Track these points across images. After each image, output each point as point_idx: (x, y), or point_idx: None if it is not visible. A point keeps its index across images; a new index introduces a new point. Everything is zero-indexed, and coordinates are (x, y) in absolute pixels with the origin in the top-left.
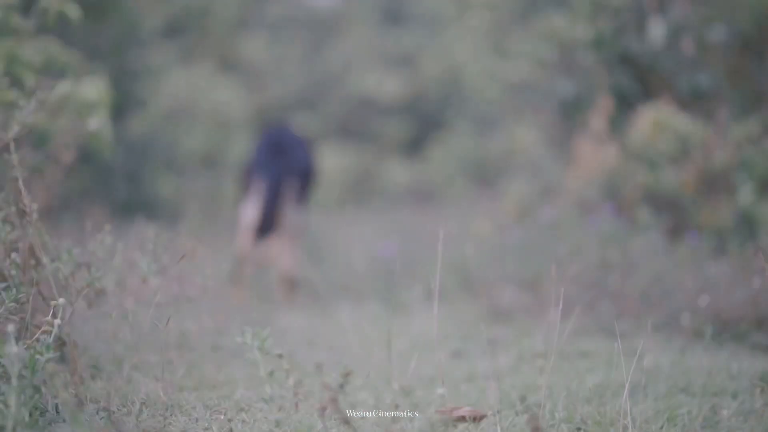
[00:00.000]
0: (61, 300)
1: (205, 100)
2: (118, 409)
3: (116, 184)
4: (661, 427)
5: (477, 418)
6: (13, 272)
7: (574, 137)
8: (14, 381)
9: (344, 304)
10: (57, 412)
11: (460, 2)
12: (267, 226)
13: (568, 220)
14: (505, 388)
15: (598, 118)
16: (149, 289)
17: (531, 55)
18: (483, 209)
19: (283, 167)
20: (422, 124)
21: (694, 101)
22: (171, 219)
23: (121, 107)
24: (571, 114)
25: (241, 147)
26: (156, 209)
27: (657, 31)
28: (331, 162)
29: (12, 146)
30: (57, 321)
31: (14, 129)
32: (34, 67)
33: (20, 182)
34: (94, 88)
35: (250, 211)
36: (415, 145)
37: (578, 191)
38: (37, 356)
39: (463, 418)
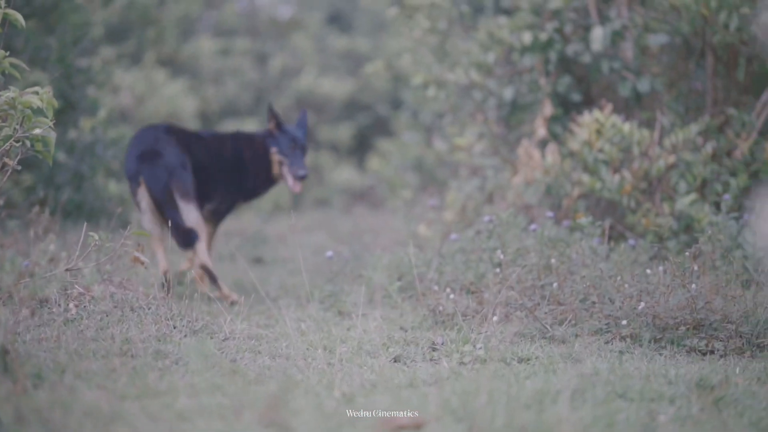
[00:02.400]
0: (4, 309)
1: (156, 97)
2: (59, 420)
3: (62, 188)
4: None
5: (418, 426)
6: None
7: (516, 141)
8: None
9: (288, 309)
10: None
11: (404, 8)
12: (180, 233)
13: (510, 224)
14: (445, 395)
15: (539, 122)
16: (93, 297)
17: (473, 60)
18: (427, 213)
19: (160, 169)
20: (368, 127)
21: (634, 106)
22: (117, 223)
23: (67, 111)
24: (512, 118)
25: None
26: (102, 213)
27: (597, 36)
28: None
29: None
30: (0, 330)
31: None
32: None
33: None
34: (38, 95)
35: (147, 224)
36: (360, 149)
37: (520, 195)
38: None
39: (403, 427)
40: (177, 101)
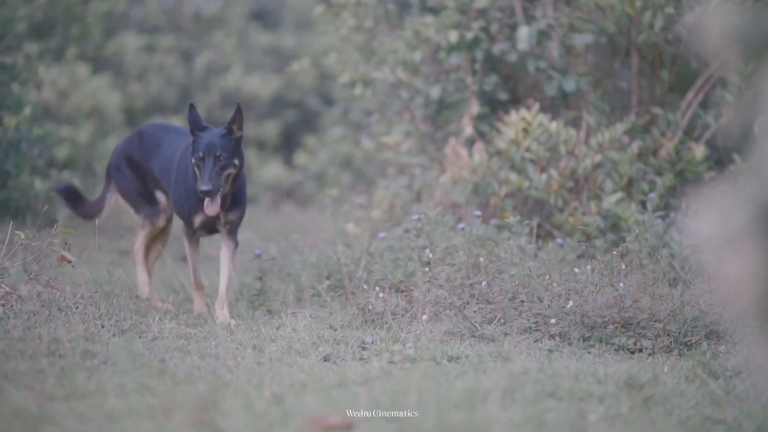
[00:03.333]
0: None
1: (79, 92)
2: None
3: None
4: None
5: (348, 427)
6: None
7: (443, 140)
8: None
9: (217, 308)
10: None
11: (331, 6)
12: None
13: (438, 223)
14: (375, 395)
15: (466, 121)
16: (20, 296)
17: (400, 59)
18: (355, 211)
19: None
20: (295, 124)
21: (561, 105)
22: (44, 221)
23: None
24: (439, 117)
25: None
26: (28, 211)
27: (523, 35)
28: None
29: None
30: None
31: None
32: None
33: None
34: None
35: None
36: (288, 146)
37: (448, 194)
38: None
39: (333, 427)
40: (100, 96)
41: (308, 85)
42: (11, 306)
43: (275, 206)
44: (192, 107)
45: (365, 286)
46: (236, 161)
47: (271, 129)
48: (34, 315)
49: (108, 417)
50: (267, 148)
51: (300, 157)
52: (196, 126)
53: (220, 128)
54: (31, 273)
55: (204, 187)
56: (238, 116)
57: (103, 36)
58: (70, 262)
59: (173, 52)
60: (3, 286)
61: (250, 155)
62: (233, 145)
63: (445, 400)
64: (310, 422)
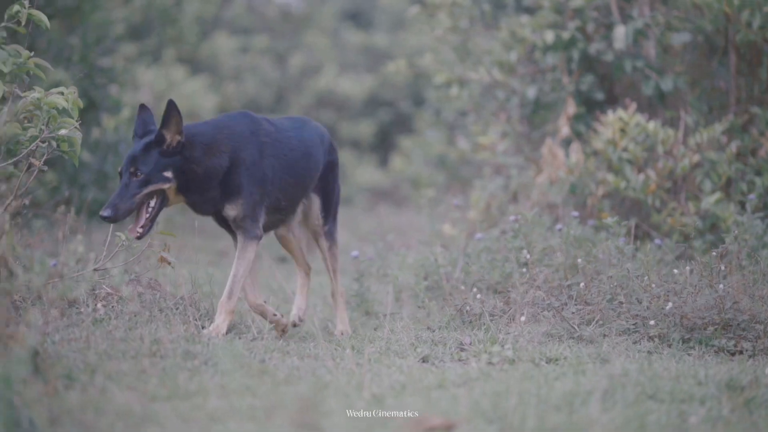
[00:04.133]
0: (34, 310)
1: (176, 94)
2: (91, 421)
3: (87, 187)
4: None
5: (449, 428)
6: None
7: (539, 140)
8: None
9: (315, 308)
10: (32, 425)
11: (425, 7)
12: None
13: (535, 223)
14: (475, 396)
15: (563, 121)
16: (121, 297)
17: (496, 59)
18: (451, 212)
19: None
20: (389, 124)
21: (658, 104)
22: None
23: (90, 110)
24: (535, 117)
25: None
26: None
27: (620, 34)
28: None
29: None
30: (30, 331)
31: None
32: (4, 76)
33: None
34: (63, 95)
35: None
36: (383, 146)
37: (544, 194)
38: (12, 370)
39: (434, 428)
40: (197, 98)
41: (402, 83)
42: (113, 307)
43: (371, 207)
44: (142, 108)
45: (462, 287)
46: (167, 173)
47: (365, 129)
48: (135, 316)
49: (210, 417)
50: (362, 147)
51: (395, 162)
52: (137, 132)
53: (149, 136)
54: (132, 274)
55: (102, 213)
56: (172, 116)
57: (198, 38)
58: (169, 263)
59: (267, 53)
60: (105, 287)
61: (346, 155)
62: (160, 156)
63: (545, 401)
64: (412, 423)
